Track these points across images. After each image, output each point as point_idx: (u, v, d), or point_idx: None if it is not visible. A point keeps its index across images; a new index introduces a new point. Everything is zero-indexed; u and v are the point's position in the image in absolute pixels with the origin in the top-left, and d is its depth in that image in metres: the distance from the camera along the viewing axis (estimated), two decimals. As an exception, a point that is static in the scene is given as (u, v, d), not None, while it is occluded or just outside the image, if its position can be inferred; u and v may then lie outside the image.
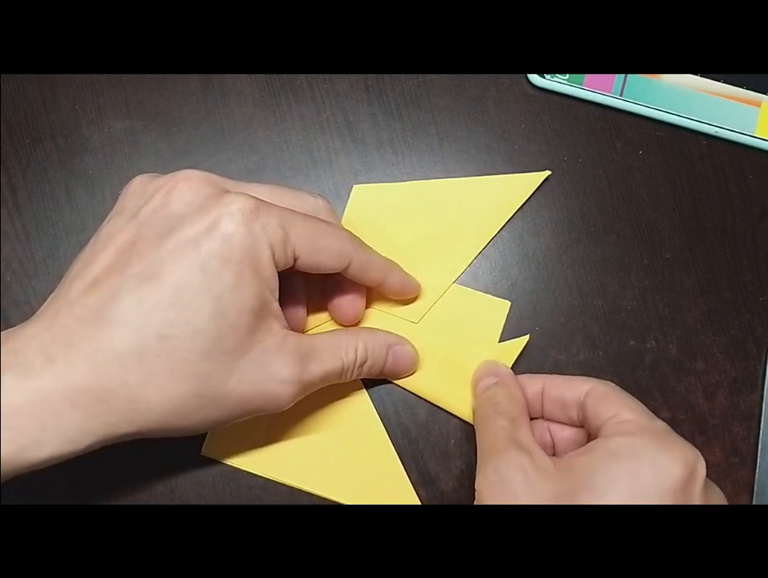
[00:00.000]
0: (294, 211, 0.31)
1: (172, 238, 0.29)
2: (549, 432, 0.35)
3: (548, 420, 0.35)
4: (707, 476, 0.29)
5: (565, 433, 0.34)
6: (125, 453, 0.36)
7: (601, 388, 0.32)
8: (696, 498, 0.29)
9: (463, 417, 0.37)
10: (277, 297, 0.31)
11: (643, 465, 0.28)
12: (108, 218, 0.31)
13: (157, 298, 0.28)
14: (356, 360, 0.33)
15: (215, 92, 0.39)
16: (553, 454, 0.35)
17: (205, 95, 0.39)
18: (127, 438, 0.29)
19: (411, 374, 0.37)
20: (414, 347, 0.36)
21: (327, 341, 0.33)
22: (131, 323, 0.28)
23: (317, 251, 0.31)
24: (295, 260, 0.31)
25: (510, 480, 0.30)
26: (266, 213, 0.29)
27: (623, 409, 0.31)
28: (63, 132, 0.39)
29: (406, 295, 0.36)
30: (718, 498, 0.30)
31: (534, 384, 0.35)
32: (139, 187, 0.31)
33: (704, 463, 0.29)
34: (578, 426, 0.34)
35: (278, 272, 0.30)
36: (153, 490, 0.36)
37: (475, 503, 0.31)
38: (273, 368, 0.30)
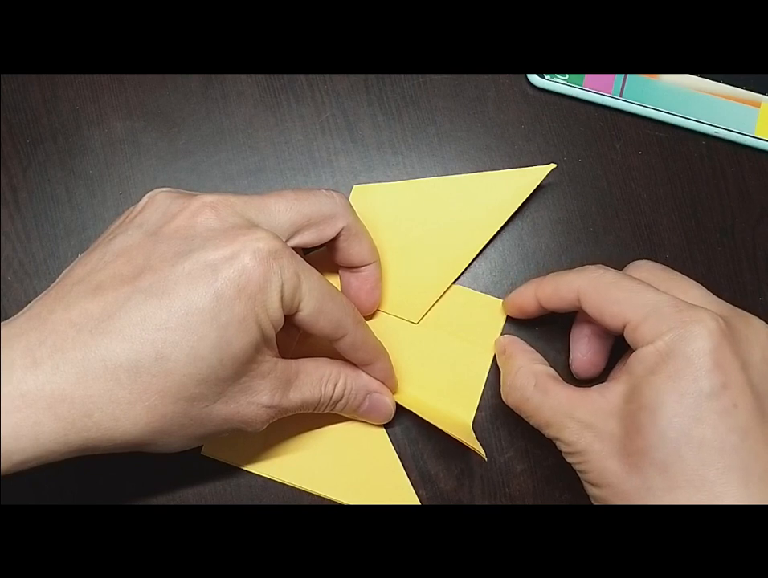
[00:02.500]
0: (313, 269, 0.31)
1: (190, 259, 0.28)
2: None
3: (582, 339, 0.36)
4: None
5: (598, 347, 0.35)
6: (125, 452, 0.36)
7: (590, 291, 0.31)
8: (742, 352, 0.28)
9: (461, 420, 0.37)
10: (276, 331, 0.30)
11: (675, 364, 0.28)
12: (123, 227, 0.30)
13: (164, 317, 0.27)
14: (332, 395, 0.33)
15: (215, 92, 0.39)
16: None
17: (205, 95, 0.39)
18: (103, 451, 0.29)
19: (384, 422, 0.36)
20: (393, 399, 0.36)
21: (311, 369, 0.32)
22: (131, 338, 0.27)
23: (320, 313, 0.30)
24: (296, 312, 0.30)
25: (583, 447, 0.30)
26: (287, 258, 0.29)
27: (625, 306, 0.30)
28: (63, 132, 0.39)
29: (384, 383, 0.36)
30: (756, 332, 0.30)
31: (530, 305, 0.35)
32: (162, 203, 0.30)
33: (719, 321, 0.28)
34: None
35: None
36: (153, 490, 0.36)
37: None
38: (255, 392, 0.30)
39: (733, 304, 0.38)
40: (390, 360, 0.35)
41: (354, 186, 0.39)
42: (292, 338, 0.35)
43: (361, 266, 0.35)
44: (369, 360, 0.34)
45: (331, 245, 0.34)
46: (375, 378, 0.35)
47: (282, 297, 0.29)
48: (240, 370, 0.29)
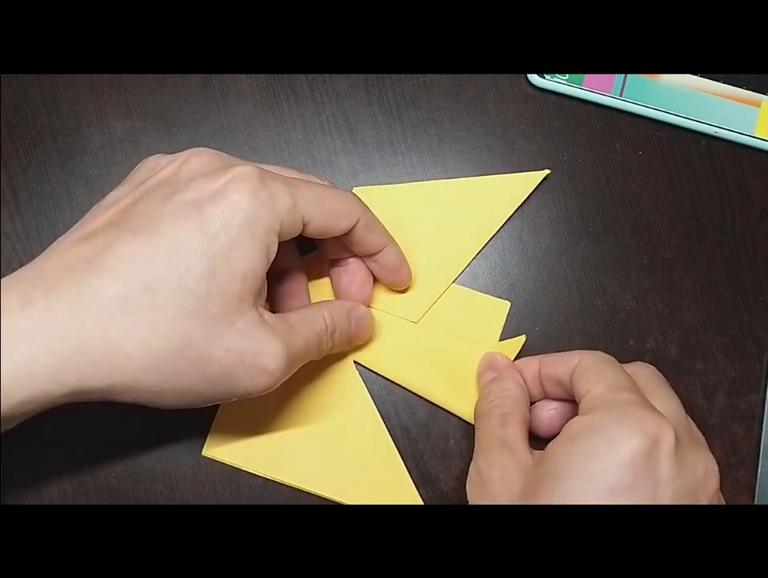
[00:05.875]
0: (298, 178, 0.31)
1: (175, 199, 0.29)
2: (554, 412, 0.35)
3: (552, 399, 0.35)
4: None
5: (567, 412, 0.35)
6: (125, 452, 0.36)
7: (586, 361, 0.32)
8: (664, 468, 0.28)
9: (463, 417, 0.37)
10: (266, 270, 0.30)
11: (596, 442, 0.28)
12: (116, 188, 0.32)
13: (151, 251, 0.28)
14: (326, 328, 0.33)
15: (215, 92, 0.39)
16: None
17: (205, 95, 0.39)
18: (99, 396, 0.28)
19: (369, 340, 0.37)
20: (368, 309, 0.36)
21: (299, 315, 0.33)
22: (120, 273, 0.28)
23: (326, 213, 0.31)
24: (304, 226, 0.31)
25: (488, 478, 0.31)
26: (273, 182, 0.30)
27: (597, 383, 0.31)
28: (63, 132, 0.39)
29: (400, 274, 0.36)
30: (695, 463, 0.29)
31: (531, 365, 0.35)
32: (150, 162, 0.32)
33: (670, 431, 0.28)
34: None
35: (284, 240, 0.30)
36: (153, 490, 0.36)
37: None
38: (261, 341, 0.30)
39: (733, 304, 0.39)
40: (398, 245, 0.36)
41: (354, 188, 0.39)
42: (305, 297, 0.36)
43: (378, 252, 0.35)
44: (384, 241, 0.34)
45: (345, 238, 0.34)
46: (391, 265, 0.35)
47: (281, 222, 0.30)
48: (231, 308, 0.29)
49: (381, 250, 0.35)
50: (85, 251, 0.28)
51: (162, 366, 0.28)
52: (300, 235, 0.31)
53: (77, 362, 0.27)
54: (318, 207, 0.31)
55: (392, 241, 0.35)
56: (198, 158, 0.31)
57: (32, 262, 0.29)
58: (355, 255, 0.35)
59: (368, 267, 0.36)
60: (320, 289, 0.37)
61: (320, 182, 0.34)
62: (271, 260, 0.30)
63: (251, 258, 0.29)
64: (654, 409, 0.30)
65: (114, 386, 0.28)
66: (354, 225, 0.32)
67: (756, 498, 0.37)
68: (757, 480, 0.37)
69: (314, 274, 0.37)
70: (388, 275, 0.36)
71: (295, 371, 0.32)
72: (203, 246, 0.28)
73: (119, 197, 0.30)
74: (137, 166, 0.32)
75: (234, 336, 0.29)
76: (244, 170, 0.29)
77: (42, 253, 0.30)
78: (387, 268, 0.35)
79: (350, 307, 0.35)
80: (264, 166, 0.32)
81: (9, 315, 0.27)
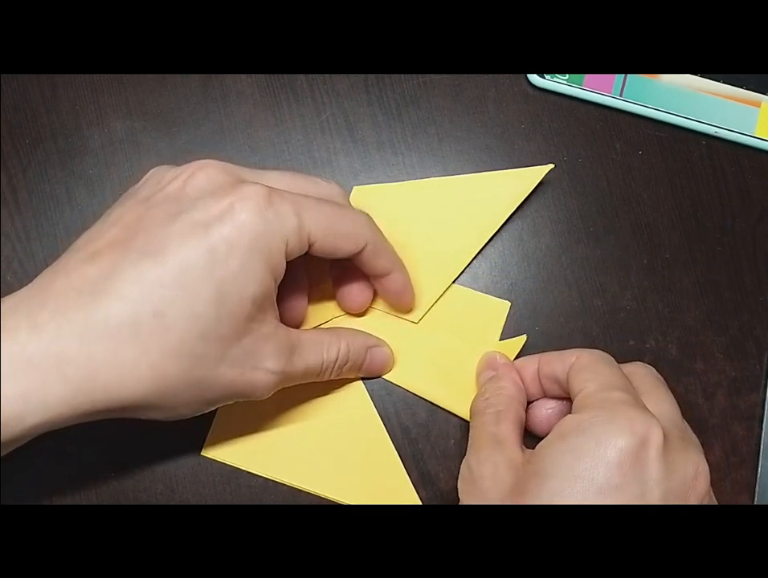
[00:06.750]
0: (308, 196, 0.31)
1: (181, 219, 0.29)
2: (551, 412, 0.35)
3: (551, 398, 0.35)
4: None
5: (564, 411, 0.34)
6: (125, 452, 0.36)
7: (582, 359, 0.32)
8: (652, 468, 0.28)
9: (463, 417, 0.37)
10: (276, 288, 0.31)
11: (585, 441, 0.28)
12: (120, 201, 0.31)
13: (158, 274, 0.28)
14: (336, 359, 0.34)
15: (215, 92, 0.39)
16: None
17: (205, 95, 0.39)
18: (111, 415, 0.29)
19: (386, 373, 0.37)
20: (390, 349, 0.36)
21: (311, 338, 0.33)
22: (128, 297, 0.28)
23: (333, 235, 0.31)
24: (311, 245, 0.31)
25: (479, 475, 0.31)
26: (279, 201, 0.29)
27: (590, 382, 0.31)
28: (63, 132, 0.39)
29: (403, 299, 0.36)
30: (684, 464, 0.29)
31: (531, 364, 0.35)
32: (156, 175, 0.31)
33: (659, 432, 0.28)
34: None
35: (290, 259, 0.30)
36: (153, 490, 0.36)
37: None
38: (261, 356, 0.30)
39: (733, 304, 0.39)
40: (406, 271, 0.35)
41: (354, 187, 0.39)
42: (303, 296, 0.36)
43: (383, 276, 0.35)
44: (390, 266, 0.34)
45: (352, 257, 0.33)
46: (396, 288, 0.35)
47: (287, 241, 0.29)
48: (240, 328, 0.29)
49: (387, 275, 0.34)
50: (92, 272, 0.28)
51: (171, 386, 0.29)
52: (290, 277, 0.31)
53: (89, 388, 0.27)
54: (325, 228, 0.31)
55: (399, 267, 0.35)
56: (203, 173, 0.30)
57: (36, 280, 0.29)
58: (389, 272, 0.35)
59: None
60: (321, 290, 0.37)
61: (327, 185, 0.33)
62: (280, 280, 0.30)
63: (260, 281, 0.29)
64: (644, 409, 0.30)
65: (127, 408, 0.29)
66: (362, 249, 0.32)
67: (756, 498, 0.37)
68: (757, 480, 0.38)
69: (315, 274, 0.37)
70: (390, 297, 0.36)
71: (289, 385, 0.32)
72: (211, 269, 0.28)
73: (123, 213, 0.30)
74: (142, 180, 0.32)
75: (238, 352, 0.29)
76: (251, 189, 0.29)
77: (46, 270, 0.29)
78: (390, 292, 0.35)
79: (371, 345, 0.36)
80: (277, 173, 0.32)
81: (17, 336, 0.27)
